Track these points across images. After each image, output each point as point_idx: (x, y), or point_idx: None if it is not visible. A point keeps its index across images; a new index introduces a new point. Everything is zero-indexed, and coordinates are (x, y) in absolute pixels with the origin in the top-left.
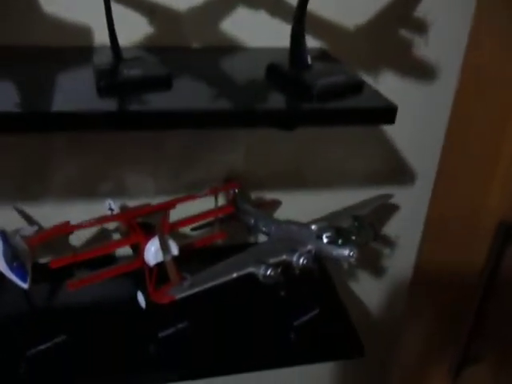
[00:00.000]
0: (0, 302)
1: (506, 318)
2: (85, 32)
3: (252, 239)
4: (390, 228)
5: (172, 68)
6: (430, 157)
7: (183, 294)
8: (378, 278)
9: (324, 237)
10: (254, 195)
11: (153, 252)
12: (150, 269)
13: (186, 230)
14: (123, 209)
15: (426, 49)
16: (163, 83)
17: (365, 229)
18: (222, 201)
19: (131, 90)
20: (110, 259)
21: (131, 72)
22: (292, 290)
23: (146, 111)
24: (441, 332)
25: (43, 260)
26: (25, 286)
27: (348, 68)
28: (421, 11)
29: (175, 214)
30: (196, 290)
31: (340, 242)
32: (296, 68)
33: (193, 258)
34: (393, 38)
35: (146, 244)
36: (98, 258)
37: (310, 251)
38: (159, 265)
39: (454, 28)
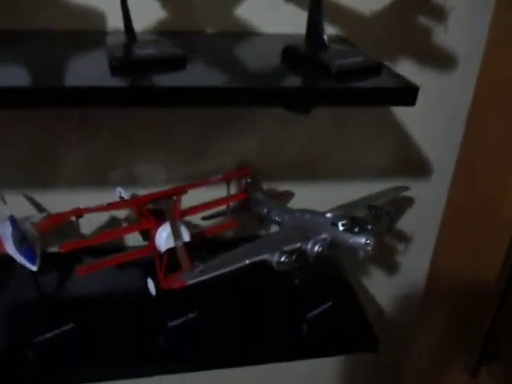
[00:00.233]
0: (9, 289)
1: None
2: (98, 16)
3: (263, 232)
4: (405, 223)
5: (186, 50)
6: (448, 149)
7: (195, 280)
8: (392, 275)
9: (339, 224)
10: (265, 186)
11: (164, 238)
12: (161, 255)
13: (197, 220)
14: (133, 197)
15: (445, 36)
16: (178, 63)
17: (382, 217)
18: (234, 192)
19: (145, 70)
20: (121, 250)
21: (145, 52)
22: (305, 281)
23: (160, 87)
24: (457, 331)
25: (54, 249)
26: (33, 268)
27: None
28: None
29: (186, 203)
30: (208, 276)
31: (356, 229)
32: (313, 49)
33: (203, 249)
34: (411, 24)
35: (157, 230)
36: (109, 248)
37: (325, 239)
38: (170, 253)
39: (474, 15)
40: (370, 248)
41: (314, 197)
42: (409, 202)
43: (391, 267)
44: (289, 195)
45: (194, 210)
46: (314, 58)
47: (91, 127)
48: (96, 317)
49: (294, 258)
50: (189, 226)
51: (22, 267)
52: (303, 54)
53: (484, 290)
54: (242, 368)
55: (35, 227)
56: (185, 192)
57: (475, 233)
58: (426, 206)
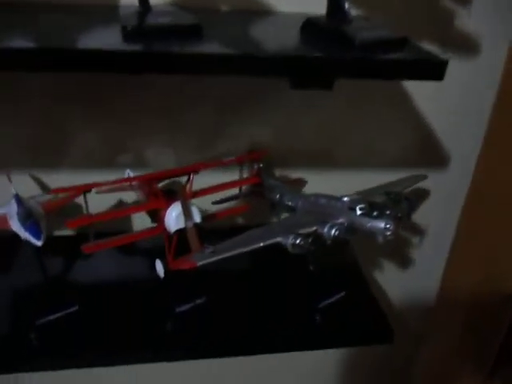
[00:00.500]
0: (14, 271)
1: None
2: None
3: (275, 220)
4: (421, 215)
5: (202, 23)
6: (470, 139)
7: (205, 261)
8: (405, 270)
9: (357, 209)
10: (278, 173)
11: (174, 217)
12: (170, 237)
13: (208, 206)
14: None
15: (469, 21)
16: (193, 32)
17: (401, 203)
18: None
19: (159, 37)
20: None
21: (160, 20)
22: (318, 269)
23: (174, 52)
24: (471, 333)
25: (60, 233)
26: (38, 243)
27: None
28: None
29: (197, 187)
30: (219, 257)
31: (375, 214)
32: (335, 23)
33: (213, 236)
34: (434, 8)
35: (167, 210)
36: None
37: (342, 223)
38: (179, 235)
39: None
40: (389, 233)
41: (328, 185)
42: (425, 193)
43: (404, 261)
44: (301, 183)
45: (205, 191)
46: (336, 31)
47: (101, 109)
48: (102, 300)
49: (309, 240)
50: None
51: (28, 249)
52: (324, 27)
53: (502, 292)
54: (247, 361)
55: (41, 206)
56: (197, 171)
57: (496, 229)
58: (444, 199)
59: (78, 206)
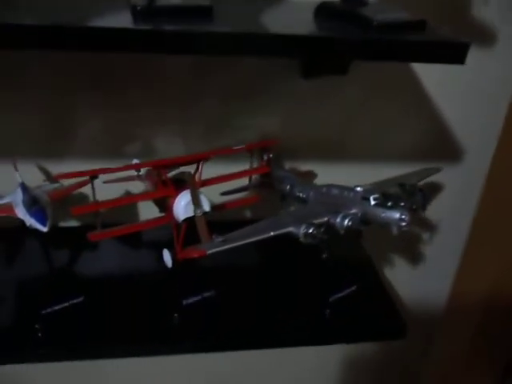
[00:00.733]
0: (20, 261)
1: None
2: None
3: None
4: (433, 211)
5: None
6: (487, 131)
7: (215, 250)
8: (416, 268)
9: (371, 199)
10: (287, 166)
11: (183, 206)
12: (178, 226)
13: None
14: (150, 170)
15: (485, 9)
16: (204, 13)
17: (415, 195)
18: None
19: (169, 18)
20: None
21: (171, 0)
22: (329, 261)
23: (185, 31)
24: (484, 334)
25: (66, 224)
26: (44, 229)
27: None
28: None
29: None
30: (229, 246)
31: (389, 204)
32: (351, 5)
33: (221, 229)
34: None
35: (175, 198)
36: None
37: (355, 214)
38: (188, 224)
39: None
40: (404, 224)
41: (338, 178)
42: (438, 188)
43: (414, 257)
44: (311, 176)
45: (215, 179)
46: (352, 13)
47: (109, 98)
48: (108, 291)
49: (322, 230)
50: None
51: (33, 239)
52: (340, 10)
53: None
54: (250, 356)
55: (47, 194)
56: (207, 158)
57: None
58: (458, 194)
59: (84, 197)
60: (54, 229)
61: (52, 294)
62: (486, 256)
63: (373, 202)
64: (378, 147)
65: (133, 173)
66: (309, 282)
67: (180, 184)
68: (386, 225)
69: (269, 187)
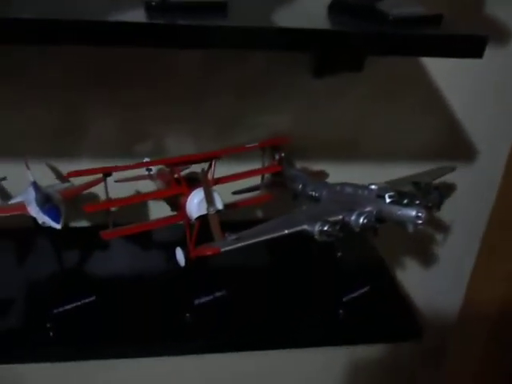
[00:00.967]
0: (32, 261)
1: None
2: None
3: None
4: (446, 212)
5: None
6: (502, 131)
7: (229, 247)
8: (428, 268)
9: (387, 196)
10: (298, 165)
11: (196, 204)
12: (191, 225)
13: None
14: (161, 170)
15: (498, 4)
16: (218, 9)
17: (430, 193)
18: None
19: (183, 13)
20: None
21: None
22: (342, 261)
23: (200, 25)
24: (498, 340)
25: (78, 224)
26: (57, 226)
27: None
28: None
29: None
30: (243, 243)
31: (405, 201)
32: (366, 0)
33: (232, 229)
34: None
35: (188, 196)
36: None
37: (370, 211)
38: (200, 223)
39: None
40: (420, 221)
41: (350, 178)
42: (452, 188)
43: (427, 259)
44: (323, 175)
45: (227, 178)
46: (367, 8)
47: (120, 97)
48: (119, 291)
49: (337, 227)
50: None
51: (45, 239)
52: (354, 4)
53: None
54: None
55: (59, 193)
56: (220, 157)
57: None
58: (472, 195)
59: (94, 197)
60: (65, 229)
61: (63, 294)
62: (501, 258)
63: (388, 200)
64: (390, 146)
65: (144, 172)
66: (321, 282)
67: (192, 183)
68: (401, 223)
69: (281, 186)
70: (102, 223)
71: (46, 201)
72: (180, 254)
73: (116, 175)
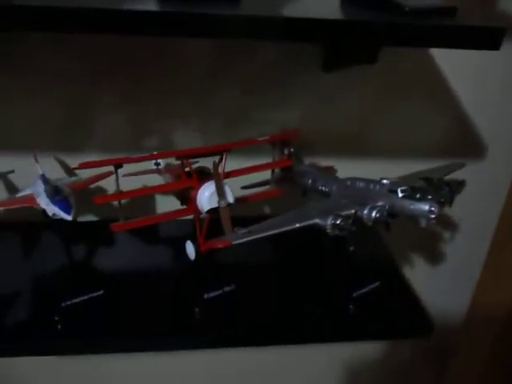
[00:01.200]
0: (41, 255)
1: None
2: None
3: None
4: (455, 210)
5: None
6: None
7: (240, 240)
8: (435, 267)
9: (399, 191)
10: (307, 161)
11: (207, 197)
12: (201, 218)
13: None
14: (169, 164)
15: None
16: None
17: (441, 189)
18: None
19: (194, 2)
20: None
21: None
22: (352, 257)
23: (211, 14)
24: (505, 342)
25: (86, 219)
26: (69, 217)
27: None
28: None
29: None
30: (254, 237)
31: (418, 196)
32: None
33: (240, 225)
34: None
35: (199, 189)
36: None
37: (383, 206)
38: (211, 216)
39: None
40: (433, 216)
41: (359, 174)
42: (461, 185)
43: (434, 257)
44: (331, 171)
45: (238, 172)
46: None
47: (128, 91)
48: (127, 285)
49: (350, 221)
50: None
51: (53, 233)
52: None
53: None
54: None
55: (68, 186)
56: (230, 150)
57: None
58: (482, 193)
59: (102, 191)
60: (74, 223)
61: (72, 287)
62: (511, 258)
63: (400, 195)
64: (399, 142)
65: (152, 166)
66: (330, 277)
67: (203, 175)
68: (414, 217)
69: (290, 181)
70: (109, 218)
71: (56, 193)
72: (190, 248)
73: (124, 170)
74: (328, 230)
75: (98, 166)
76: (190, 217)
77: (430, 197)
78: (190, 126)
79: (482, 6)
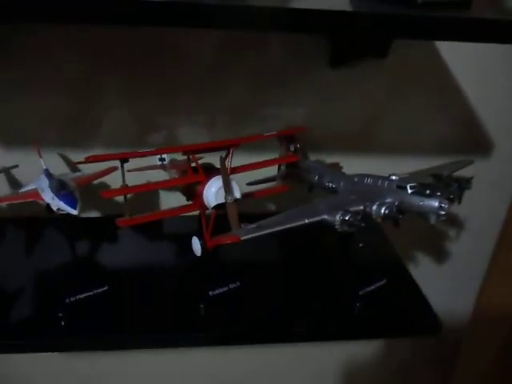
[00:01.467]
0: (45, 250)
1: None
2: None
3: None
4: (460, 207)
5: None
6: None
7: (249, 236)
8: (439, 265)
9: (408, 187)
10: (312, 158)
11: (214, 192)
12: (207, 214)
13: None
14: (174, 160)
15: None
16: None
17: (450, 186)
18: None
19: None
20: None
21: None
22: (357, 256)
23: (215, 5)
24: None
25: (92, 215)
26: (74, 212)
27: None
28: None
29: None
30: (263, 232)
31: (428, 192)
32: None
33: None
34: None
35: (206, 184)
36: None
37: (392, 202)
38: (216, 213)
39: None
40: (443, 213)
41: (364, 171)
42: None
43: (439, 255)
44: (337, 168)
45: (245, 167)
46: None
47: (136, 87)
48: (132, 282)
49: (359, 217)
50: None
51: (58, 229)
52: None
53: None
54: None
55: (73, 181)
56: (238, 145)
57: None
58: (488, 192)
59: (106, 187)
60: (78, 219)
61: (76, 283)
62: None
63: (410, 191)
64: (405, 139)
65: (156, 162)
66: (336, 275)
67: (209, 170)
68: (423, 214)
69: (296, 178)
70: (113, 214)
71: (61, 187)
72: (196, 244)
73: (128, 165)
74: (337, 226)
75: (105, 160)
76: (196, 213)
77: (439, 193)
78: (195, 122)
79: (491, 1)
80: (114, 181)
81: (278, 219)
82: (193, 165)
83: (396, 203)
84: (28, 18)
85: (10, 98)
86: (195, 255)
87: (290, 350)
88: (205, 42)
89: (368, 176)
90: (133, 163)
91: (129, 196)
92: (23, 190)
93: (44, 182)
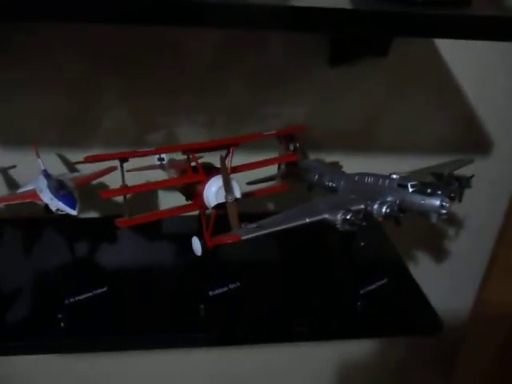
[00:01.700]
0: (44, 251)
1: None
2: None
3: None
4: (460, 206)
5: None
6: None
7: (250, 235)
8: (439, 264)
9: (409, 186)
10: (312, 157)
11: (214, 191)
12: (207, 214)
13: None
14: (173, 160)
15: None
16: None
17: (451, 184)
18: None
19: None
20: None
21: None
22: (357, 255)
23: (213, 3)
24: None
25: (91, 215)
26: (73, 212)
27: None
28: None
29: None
30: (264, 232)
31: (429, 191)
32: None
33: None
34: None
35: (206, 184)
36: None
37: (393, 201)
38: (216, 213)
39: None
40: (444, 211)
41: (364, 170)
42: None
43: (439, 254)
44: (337, 167)
45: (245, 166)
46: None
47: (136, 86)
48: (132, 282)
49: (360, 216)
50: None
51: (56, 230)
52: None
53: None
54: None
55: (71, 181)
56: (238, 144)
57: None
58: (487, 190)
59: (105, 187)
60: (77, 219)
61: (75, 284)
62: None
63: (411, 189)
64: (405, 138)
65: (155, 162)
66: (337, 274)
67: (209, 170)
68: (424, 212)
69: (295, 177)
70: (112, 214)
71: (60, 187)
72: (197, 244)
73: (127, 165)
74: (338, 225)
75: (104, 160)
76: (196, 212)
77: (440, 192)
78: (195, 122)
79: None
80: (113, 181)
81: (279, 219)
82: (193, 164)
83: (397, 202)
84: (28, 17)
85: (10, 98)
86: (195, 255)
87: (290, 350)
88: (205, 42)
89: (369, 175)
90: (132, 163)
91: (128, 196)
92: (21, 190)
93: (42, 183)
